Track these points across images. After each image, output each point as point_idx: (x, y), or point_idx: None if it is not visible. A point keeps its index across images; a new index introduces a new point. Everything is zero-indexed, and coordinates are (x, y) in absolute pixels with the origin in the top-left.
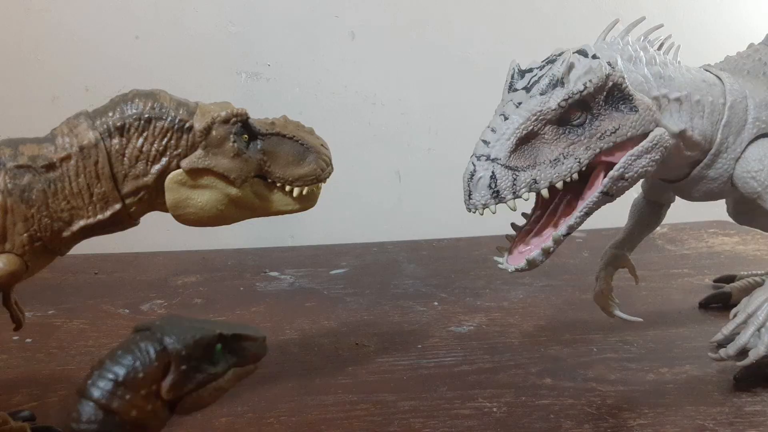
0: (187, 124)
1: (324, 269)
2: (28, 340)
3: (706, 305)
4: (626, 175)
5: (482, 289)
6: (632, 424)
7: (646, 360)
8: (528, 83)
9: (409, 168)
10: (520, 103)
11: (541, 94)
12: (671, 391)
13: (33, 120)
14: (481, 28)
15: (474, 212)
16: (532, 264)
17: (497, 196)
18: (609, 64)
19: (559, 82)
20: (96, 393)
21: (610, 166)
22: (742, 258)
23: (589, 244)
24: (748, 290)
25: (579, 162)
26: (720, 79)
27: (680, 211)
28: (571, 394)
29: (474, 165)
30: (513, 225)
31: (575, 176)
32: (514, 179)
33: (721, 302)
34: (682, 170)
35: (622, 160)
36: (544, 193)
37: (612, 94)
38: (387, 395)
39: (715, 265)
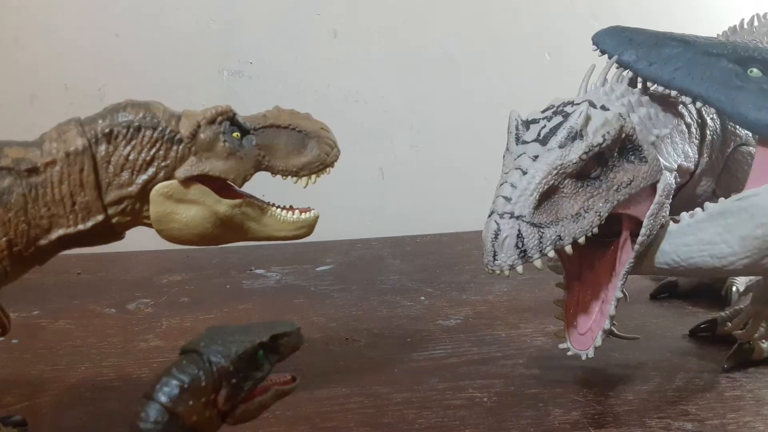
0: (178, 136)
1: (310, 266)
2: (15, 340)
3: (655, 296)
4: (652, 232)
5: (467, 283)
6: (618, 410)
7: (629, 349)
8: (538, 135)
9: (392, 165)
10: (536, 156)
11: (561, 147)
12: (654, 377)
13: (11, 118)
14: (461, 25)
15: (498, 273)
16: (598, 348)
17: (524, 256)
18: (620, 115)
19: (578, 135)
20: (163, 397)
21: (631, 219)
22: None
23: None
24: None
25: (599, 216)
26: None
27: None
28: (559, 383)
29: (497, 224)
30: (557, 301)
31: (596, 230)
32: (540, 237)
33: (668, 291)
34: None
35: (645, 224)
36: (568, 249)
37: (624, 146)
38: (380, 388)
39: None
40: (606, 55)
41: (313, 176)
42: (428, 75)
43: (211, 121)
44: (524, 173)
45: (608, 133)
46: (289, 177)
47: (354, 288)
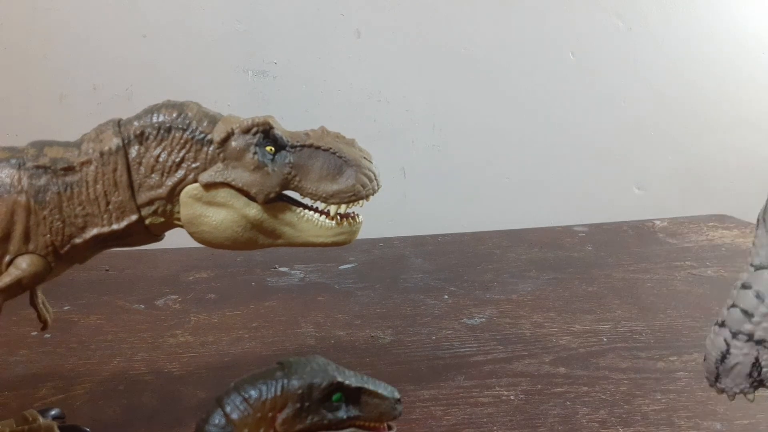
0: (208, 137)
1: (333, 264)
2: (47, 335)
3: None
4: None
5: (490, 283)
6: (646, 410)
7: (655, 349)
8: None
9: (413, 164)
10: None
11: None
12: (682, 378)
13: (40, 118)
14: (484, 25)
15: (719, 394)
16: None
17: (758, 385)
18: None
19: None
20: (227, 405)
21: None
22: (743, 250)
23: (592, 238)
24: None
25: None
26: None
27: (679, 204)
28: (585, 382)
29: (728, 344)
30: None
31: None
32: None
33: None
34: None
35: None
36: None
37: None
38: (406, 385)
39: (717, 258)
40: None
41: (343, 206)
42: (450, 74)
43: (246, 131)
44: None
45: None
46: (318, 201)
47: (377, 286)
